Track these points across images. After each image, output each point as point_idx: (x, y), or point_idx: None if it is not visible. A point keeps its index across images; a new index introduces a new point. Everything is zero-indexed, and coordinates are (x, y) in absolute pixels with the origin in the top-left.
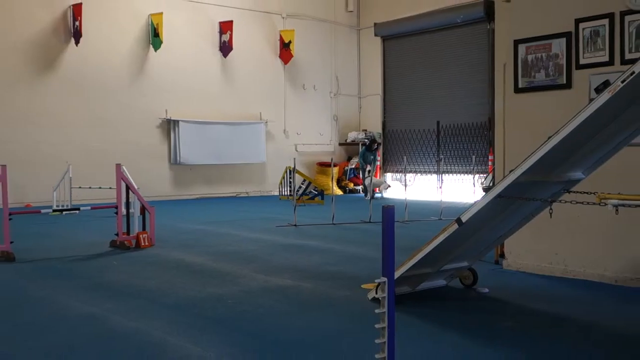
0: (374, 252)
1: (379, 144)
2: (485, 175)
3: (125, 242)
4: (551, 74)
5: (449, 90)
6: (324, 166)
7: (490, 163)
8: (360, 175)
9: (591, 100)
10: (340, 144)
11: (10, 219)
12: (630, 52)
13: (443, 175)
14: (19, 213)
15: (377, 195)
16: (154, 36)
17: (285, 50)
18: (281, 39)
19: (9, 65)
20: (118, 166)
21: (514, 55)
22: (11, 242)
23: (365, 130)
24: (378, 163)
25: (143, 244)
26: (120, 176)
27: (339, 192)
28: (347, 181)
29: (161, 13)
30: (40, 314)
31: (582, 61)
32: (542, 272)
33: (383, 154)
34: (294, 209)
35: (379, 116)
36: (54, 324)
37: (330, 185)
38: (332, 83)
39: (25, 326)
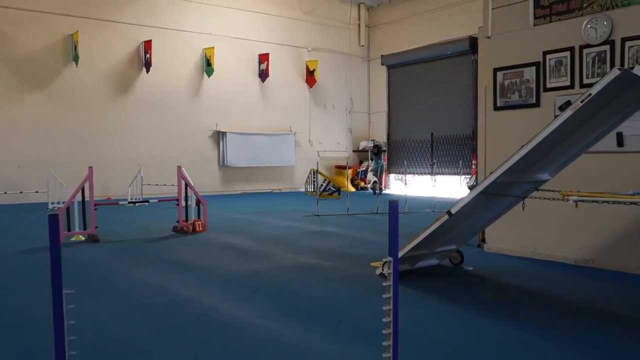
0: (380, 237)
1: (382, 150)
2: (469, 176)
3: (184, 227)
4: (523, 95)
5: (441, 107)
6: (340, 168)
7: (473, 166)
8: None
9: (556, 116)
10: (353, 151)
11: (95, 209)
12: (587, 77)
13: (436, 175)
14: (102, 204)
15: (384, 191)
16: (207, 65)
17: (310, 76)
18: (307, 68)
19: (95, 90)
20: (179, 168)
21: (494, 80)
22: (96, 227)
23: (374, 140)
24: (384, 165)
25: (198, 229)
26: (181, 175)
27: (352, 189)
28: (359, 180)
29: (213, 47)
30: (121, 282)
31: (548, 85)
32: (516, 254)
33: (388, 158)
34: (317, 203)
35: (384, 129)
36: (132, 291)
37: (346, 183)
38: (348, 102)
39: (110, 292)
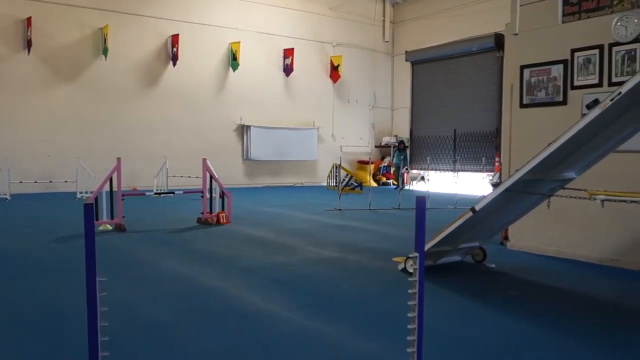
0: (402, 231)
1: (406, 146)
2: (492, 173)
3: (208, 219)
4: (550, 93)
5: (464, 104)
6: (362, 163)
7: (496, 163)
8: (392, 172)
9: (583, 115)
10: (376, 146)
11: (122, 199)
12: (616, 76)
13: (458, 172)
14: (129, 195)
15: (406, 187)
16: (233, 60)
17: (334, 71)
18: (331, 63)
19: (123, 82)
20: (204, 160)
21: (520, 77)
22: (123, 217)
23: (396, 135)
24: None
25: (222, 221)
26: (206, 168)
27: (374, 184)
28: (380, 175)
29: (239, 42)
30: (147, 271)
31: (576, 83)
32: (539, 252)
33: (410, 155)
34: (339, 197)
35: (407, 125)
36: (159, 279)
37: (368, 178)
38: (371, 98)
39: (137, 280)
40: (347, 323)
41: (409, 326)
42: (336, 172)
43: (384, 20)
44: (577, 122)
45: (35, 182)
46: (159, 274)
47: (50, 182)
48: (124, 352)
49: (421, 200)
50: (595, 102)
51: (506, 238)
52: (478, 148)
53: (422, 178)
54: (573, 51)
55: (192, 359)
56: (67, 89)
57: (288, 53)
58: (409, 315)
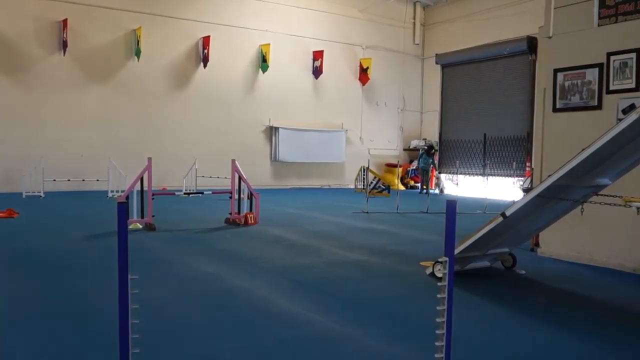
0: (431, 235)
1: (435, 150)
2: (523, 178)
3: (237, 220)
4: (584, 97)
5: (495, 108)
6: (390, 166)
7: (527, 169)
8: (420, 176)
9: (618, 120)
10: (404, 150)
11: (152, 199)
12: None
13: (488, 177)
14: (159, 194)
15: (433, 191)
16: (263, 62)
17: (363, 74)
18: (361, 65)
19: (155, 83)
20: (233, 161)
21: (554, 81)
22: (153, 216)
23: (425, 139)
24: (434, 165)
25: (250, 222)
26: (234, 169)
27: (402, 187)
28: (408, 179)
29: (269, 44)
30: (176, 270)
31: (611, 87)
32: (571, 259)
33: (440, 158)
34: (367, 200)
35: (436, 128)
36: (187, 278)
37: (396, 182)
38: (400, 101)
39: (166, 278)
40: (372, 326)
41: (437, 331)
42: (364, 174)
43: (414, 23)
44: (612, 128)
45: (69, 180)
46: (187, 273)
47: (83, 180)
48: (151, 349)
49: (452, 204)
50: (632, 107)
51: (537, 244)
52: (509, 152)
53: (442, 191)
54: (609, 55)
55: (216, 358)
56: (100, 89)
57: (317, 55)
58: (438, 320)
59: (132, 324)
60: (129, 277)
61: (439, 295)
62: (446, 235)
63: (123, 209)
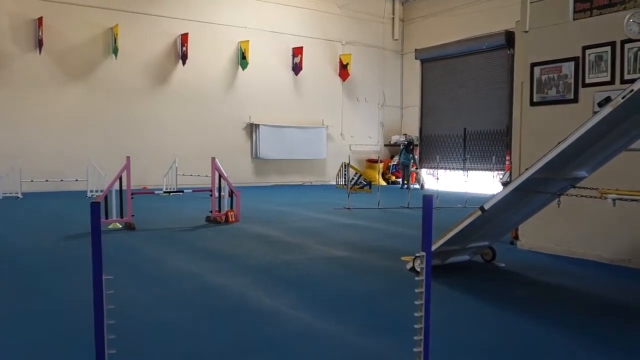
0: (411, 230)
1: (414, 145)
2: (502, 172)
3: (217, 217)
4: (561, 91)
5: (474, 103)
6: (372, 162)
7: (507, 162)
8: (401, 171)
9: (595, 112)
10: (385, 145)
11: (132, 198)
12: (628, 73)
13: (468, 171)
14: (138, 193)
15: (414, 186)
16: (242, 58)
17: (343, 70)
18: (340, 61)
19: (133, 82)
20: (213, 159)
21: (531, 75)
22: (132, 216)
23: (406, 134)
24: (415, 161)
25: (231, 219)
26: (214, 166)
27: (383, 183)
28: (390, 174)
29: (248, 41)
30: (155, 269)
31: (587, 80)
32: (550, 251)
33: (420, 153)
34: (348, 196)
35: (416, 123)
36: (166, 277)
37: (377, 177)
38: (380, 96)
39: (145, 278)
40: (354, 322)
41: (416, 326)
42: (345, 170)
43: (393, 18)
44: (588, 120)
45: (47, 180)
46: (167, 272)
47: (61, 180)
48: (131, 350)
49: (428, 199)
50: (607, 100)
51: (516, 237)
52: (488, 147)
53: (422, 186)
54: (584, 48)
55: (198, 357)
56: (77, 88)
57: (297, 52)
58: (416, 315)
59: (108, 324)
60: (104, 277)
61: (416, 290)
62: (423, 230)
63: (96, 208)
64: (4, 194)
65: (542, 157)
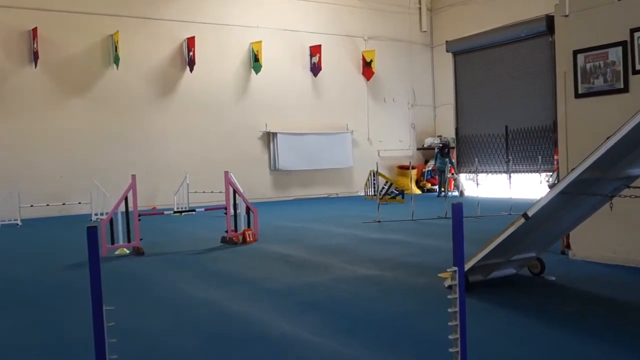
0: (449, 243)
1: (449, 148)
2: (550, 173)
3: (234, 238)
4: (609, 80)
5: (515, 97)
6: (403, 169)
7: (555, 162)
8: (437, 177)
9: None
10: (418, 149)
11: (139, 220)
12: None
13: (512, 174)
14: (147, 214)
15: (452, 193)
16: (255, 61)
17: (367, 68)
18: (363, 59)
19: (138, 92)
20: (226, 173)
21: (574, 63)
22: (141, 239)
23: (440, 136)
24: (453, 166)
25: (248, 239)
26: (229, 181)
27: (417, 191)
28: (424, 182)
29: (260, 41)
30: (167, 297)
31: (638, 67)
32: (606, 261)
33: (457, 157)
34: (378, 207)
35: (452, 123)
36: (179, 306)
37: (410, 185)
38: (410, 95)
39: (156, 307)
40: (385, 348)
41: (450, 349)
42: (374, 179)
43: (419, 8)
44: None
45: (47, 205)
46: (180, 300)
47: (64, 204)
48: None
49: (457, 208)
50: None
51: (568, 246)
52: (534, 145)
53: (462, 193)
54: (632, 31)
55: None
56: (77, 102)
57: (315, 51)
58: (450, 337)
59: (111, 359)
60: (104, 308)
61: (449, 310)
62: (454, 242)
63: (93, 233)
64: (1, 221)
65: (590, 155)
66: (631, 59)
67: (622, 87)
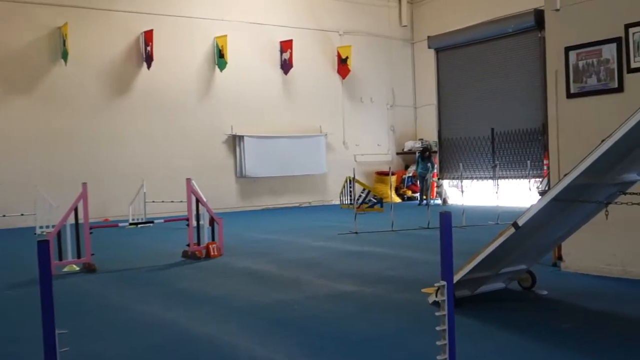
0: (433, 256)
1: (431, 152)
2: (540, 179)
3: (196, 252)
4: (603, 79)
5: (502, 97)
6: (382, 175)
7: (545, 167)
8: (418, 184)
9: None
10: (397, 153)
11: (91, 233)
12: None
13: (499, 180)
14: (99, 227)
15: (435, 201)
16: (219, 57)
17: (342, 65)
18: (338, 55)
19: (88, 91)
20: (188, 180)
21: (565, 61)
22: (92, 255)
23: (422, 139)
24: (435, 170)
25: (213, 253)
26: (191, 190)
27: (397, 199)
28: (405, 189)
29: (226, 35)
30: (123, 319)
31: (633, 65)
32: (601, 273)
33: (440, 162)
34: (355, 217)
35: (434, 125)
36: (136, 329)
37: (389, 193)
38: (388, 95)
39: (111, 330)
40: None
41: None
42: (350, 187)
43: (399, 1)
44: (637, 111)
45: None
46: (137, 322)
47: (4, 216)
48: None
49: (446, 217)
50: None
51: (560, 258)
52: (522, 149)
53: (445, 201)
54: (627, 27)
55: None
56: (20, 102)
57: (285, 46)
58: (438, 358)
59: None
60: (56, 332)
61: (437, 328)
62: (442, 254)
63: (45, 248)
64: None
65: (583, 160)
66: (626, 56)
67: (617, 86)
